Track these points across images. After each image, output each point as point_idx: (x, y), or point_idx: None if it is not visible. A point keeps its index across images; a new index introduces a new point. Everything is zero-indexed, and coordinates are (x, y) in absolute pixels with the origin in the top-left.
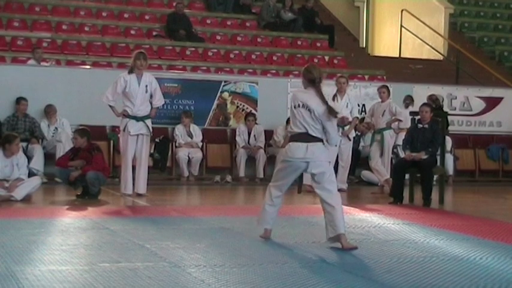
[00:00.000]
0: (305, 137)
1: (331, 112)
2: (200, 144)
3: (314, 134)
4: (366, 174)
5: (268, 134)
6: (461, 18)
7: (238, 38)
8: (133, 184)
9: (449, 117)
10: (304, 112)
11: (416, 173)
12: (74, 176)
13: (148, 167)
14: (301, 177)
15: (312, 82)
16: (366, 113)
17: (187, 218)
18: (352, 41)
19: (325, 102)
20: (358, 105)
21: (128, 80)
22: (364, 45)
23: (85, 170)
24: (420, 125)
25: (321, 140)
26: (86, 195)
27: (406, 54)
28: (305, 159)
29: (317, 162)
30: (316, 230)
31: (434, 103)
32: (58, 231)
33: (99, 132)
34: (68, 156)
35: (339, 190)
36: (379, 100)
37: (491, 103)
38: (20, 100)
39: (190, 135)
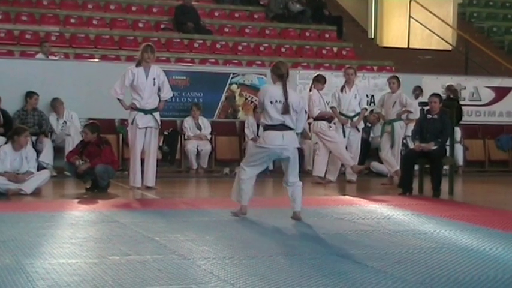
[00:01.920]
0: (281, 127)
1: (286, 108)
2: (209, 136)
3: (288, 124)
4: (375, 165)
5: None
6: (470, 8)
7: (247, 30)
8: (142, 177)
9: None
10: (281, 106)
11: (426, 164)
12: (83, 169)
13: (157, 160)
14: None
15: (281, 77)
16: (375, 104)
17: (197, 211)
18: (360, 32)
19: (286, 97)
20: (367, 96)
21: (136, 73)
22: (372, 36)
23: (94, 164)
24: (429, 116)
25: (293, 129)
26: (95, 188)
27: (414, 44)
28: (282, 146)
29: (290, 148)
30: (326, 221)
31: (452, 93)
32: (67, 224)
33: (108, 126)
34: (77, 150)
35: (348, 181)
36: (389, 91)
37: (501, 93)
38: (31, 94)
39: (199, 127)
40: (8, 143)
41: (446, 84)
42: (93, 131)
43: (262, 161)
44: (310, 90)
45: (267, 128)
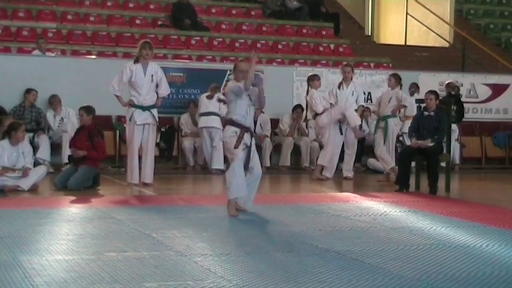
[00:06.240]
0: None
1: None
2: None
3: None
4: (372, 162)
5: (274, 122)
6: (467, 5)
7: (244, 27)
8: (140, 173)
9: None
10: None
11: (423, 161)
12: (80, 154)
13: (155, 157)
14: None
15: None
16: (372, 101)
17: (194, 207)
18: (357, 29)
19: None
20: (364, 93)
21: (134, 69)
22: (369, 33)
23: (89, 155)
24: (426, 113)
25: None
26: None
27: (411, 41)
28: None
29: None
30: (323, 218)
31: (453, 90)
32: (64, 220)
33: (105, 122)
34: (75, 139)
35: (345, 178)
36: (389, 88)
37: (498, 90)
38: (29, 90)
39: (196, 124)
40: (5, 138)
41: (446, 82)
42: (89, 113)
43: None
44: (307, 93)
45: None
